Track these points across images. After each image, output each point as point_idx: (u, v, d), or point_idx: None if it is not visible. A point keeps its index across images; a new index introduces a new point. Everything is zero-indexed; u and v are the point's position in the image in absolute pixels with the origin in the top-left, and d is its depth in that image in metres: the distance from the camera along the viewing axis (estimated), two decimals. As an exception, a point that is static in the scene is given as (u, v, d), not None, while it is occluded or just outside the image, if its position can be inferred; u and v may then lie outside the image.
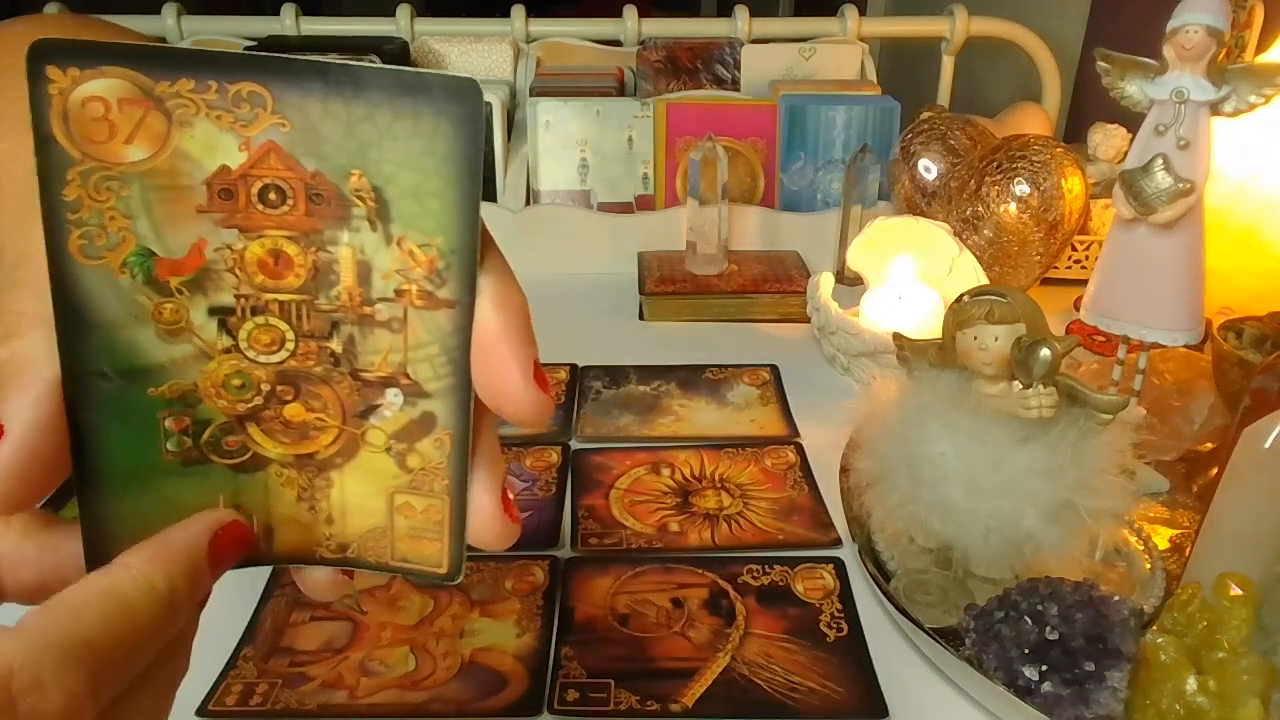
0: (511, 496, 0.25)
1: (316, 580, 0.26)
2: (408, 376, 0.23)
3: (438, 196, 0.22)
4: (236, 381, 0.23)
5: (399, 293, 0.23)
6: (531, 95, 0.93)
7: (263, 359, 0.23)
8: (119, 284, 0.22)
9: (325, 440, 0.24)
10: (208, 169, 0.22)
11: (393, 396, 0.24)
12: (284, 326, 0.23)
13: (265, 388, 0.23)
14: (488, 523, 0.25)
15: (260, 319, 0.23)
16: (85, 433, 0.23)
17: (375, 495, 0.25)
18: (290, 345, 0.23)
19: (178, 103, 0.21)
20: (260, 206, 0.22)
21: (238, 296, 0.23)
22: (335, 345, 0.23)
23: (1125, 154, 0.52)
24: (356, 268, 0.22)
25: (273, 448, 0.24)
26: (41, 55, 0.20)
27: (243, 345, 0.23)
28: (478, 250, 0.22)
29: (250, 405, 0.24)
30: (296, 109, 0.21)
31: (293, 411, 0.24)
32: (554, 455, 0.60)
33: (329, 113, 0.21)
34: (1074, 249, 0.81)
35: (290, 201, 0.22)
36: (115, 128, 0.21)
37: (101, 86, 0.21)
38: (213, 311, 0.23)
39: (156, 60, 0.21)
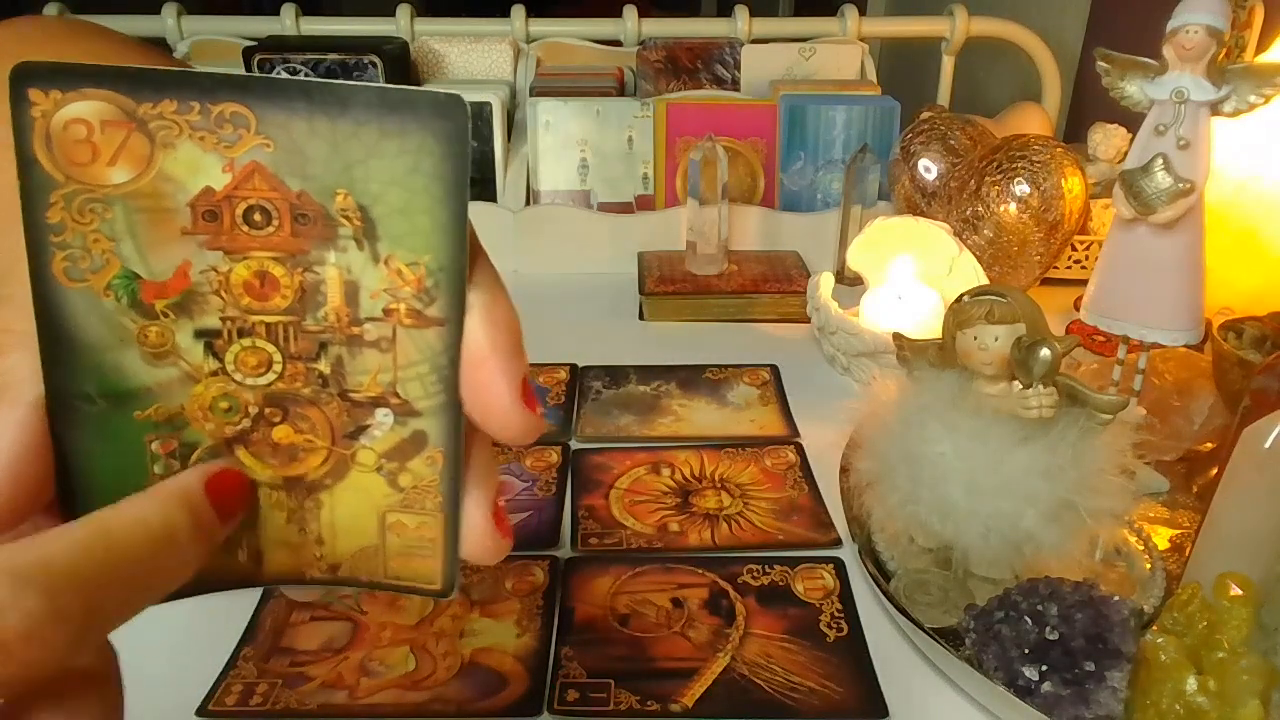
0: (504, 510, 0.25)
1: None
2: (398, 396, 0.23)
3: (425, 214, 0.22)
4: (224, 404, 0.23)
5: (387, 312, 0.22)
6: (531, 95, 0.93)
7: (250, 381, 0.23)
8: (103, 307, 0.22)
9: (314, 462, 0.24)
10: (191, 191, 0.21)
11: (383, 416, 0.23)
12: (271, 348, 0.23)
13: (253, 410, 0.23)
14: (479, 539, 0.24)
15: (247, 341, 0.23)
16: (70, 455, 0.22)
17: (366, 515, 0.24)
18: (278, 367, 0.23)
19: (160, 124, 0.21)
20: (245, 228, 0.22)
21: (224, 319, 0.22)
22: (323, 366, 0.23)
23: (1125, 154, 0.52)
24: (344, 288, 0.22)
25: (261, 470, 0.24)
26: (23, 78, 0.20)
27: (229, 368, 0.23)
28: (466, 267, 0.22)
29: (238, 428, 0.23)
30: (281, 129, 0.21)
31: (281, 434, 0.24)
32: (554, 455, 0.60)
33: (314, 132, 0.21)
34: (1074, 249, 0.81)
35: (275, 222, 0.22)
36: (98, 150, 0.21)
37: (84, 109, 0.20)
38: (199, 334, 0.22)
39: (139, 81, 0.21)
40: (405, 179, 0.21)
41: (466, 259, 0.22)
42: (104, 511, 0.20)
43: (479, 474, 0.24)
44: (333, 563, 0.25)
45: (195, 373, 0.23)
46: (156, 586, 0.21)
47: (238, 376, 0.23)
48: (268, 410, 0.23)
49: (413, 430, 0.23)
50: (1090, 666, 0.38)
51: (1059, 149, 0.71)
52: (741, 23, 1.01)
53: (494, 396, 0.23)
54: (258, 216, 0.22)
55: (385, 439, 0.24)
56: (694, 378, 0.70)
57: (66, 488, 0.23)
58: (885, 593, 0.45)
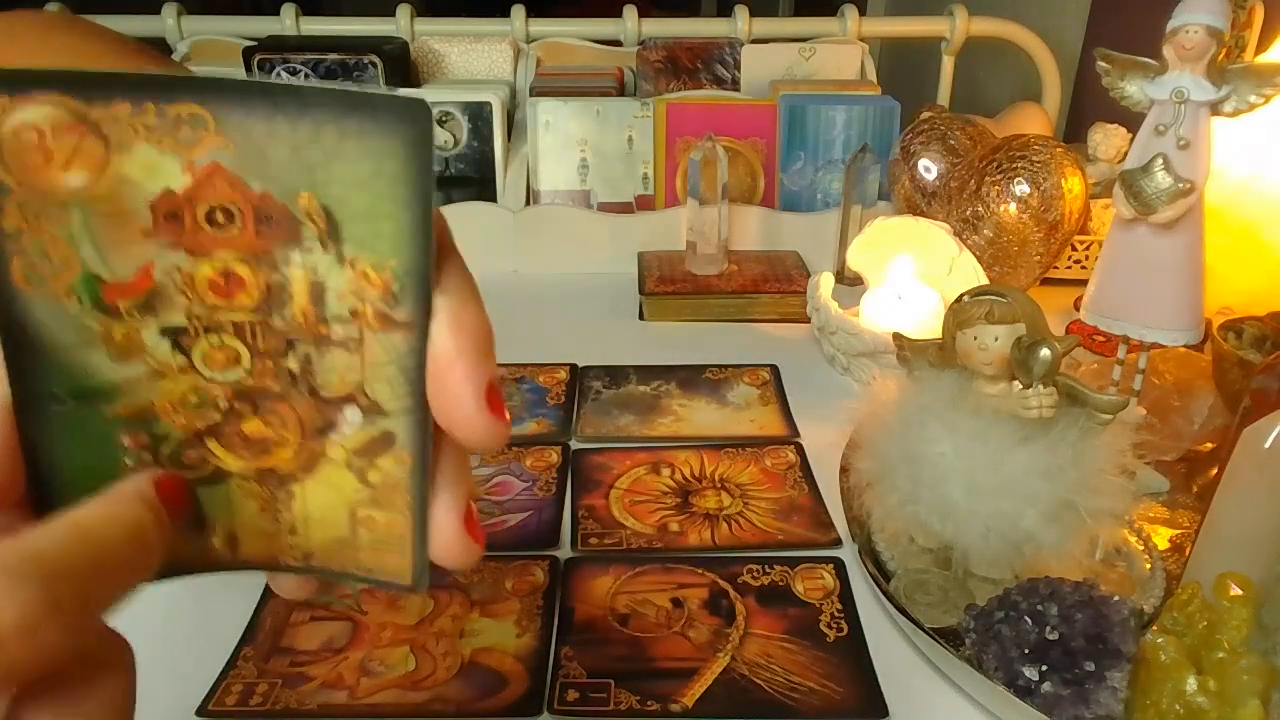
0: (476, 515, 0.25)
1: (284, 581, 0.26)
2: (366, 396, 0.23)
3: (390, 218, 0.21)
4: (193, 399, 0.23)
5: (354, 314, 0.22)
6: (531, 95, 0.93)
7: (219, 377, 0.23)
8: (66, 309, 0.22)
9: (285, 455, 0.24)
10: (151, 192, 0.21)
11: (352, 415, 0.23)
12: (239, 345, 0.23)
13: (223, 405, 0.23)
14: (449, 543, 0.24)
15: (214, 338, 0.23)
16: (40, 455, 0.22)
17: (337, 508, 0.24)
18: (246, 364, 0.23)
19: (115, 127, 0.20)
20: (208, 228, 0.21)
21: (190, 317, 0.22)
22: (292, 364, 0.23)
23: (1125, 154, 0.52)
24: (310, 288, 0.22)
25: (233, 461, 0.24)
26: None
27: (198, 364, 0.23)
28: (431, 271, 0.22)
29: (209, 422, 0.23)
30: (240, 130, 0.21)
31: (251, 427, 0.23)
32: (554, 455, 0.60)
33: (274, 134, 0.21)
34: (1074, 249, 0.81)
35: (239, 223, 0.21)
36: (51, 155, 0.20)
37: (35, 114, 0.20)
38: (165, 332, 0.22)
39: (89, 85, 0.20)
40: (368, 182, 0.21)
41: (432, 263, 0.22)
42: (75, 511, 0.21)
43: (449, 478, 0.24)
44: (306, 551, 0.25)
45: (163, 369, 0.23)
46: (132, 577, 0.21)
47: (206, 372, 0.23)
48: (238, 405, 0.23)
49: (381, 430, 0.23)
50: (1090, 666, 0.38)
51: (1059, 149, 0.71)
52: (741, 23, 1.01)
53: (458, 401, 0.22)
54: (220, 217, 0.21)
55: (355, 437, 0.24)
56: (694, 378, 0.70)
57: (38, 484, 0.23)
58: (885, 593, 0.45)
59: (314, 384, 0.23)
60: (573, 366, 0.71)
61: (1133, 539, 0.50)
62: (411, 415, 0.23)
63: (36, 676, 0.18)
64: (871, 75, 1.00)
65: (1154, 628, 0.41)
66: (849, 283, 0.80)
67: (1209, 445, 0.57)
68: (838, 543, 0.52)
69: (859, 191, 0.83)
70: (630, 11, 1.01)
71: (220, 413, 0.23)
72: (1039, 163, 0.70)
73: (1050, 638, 0.39)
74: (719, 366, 0.72)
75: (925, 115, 0.84)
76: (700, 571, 0.49)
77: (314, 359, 0.23)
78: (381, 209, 0.21)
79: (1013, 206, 0.71)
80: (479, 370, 0.22)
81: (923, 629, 0.42)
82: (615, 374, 0.71)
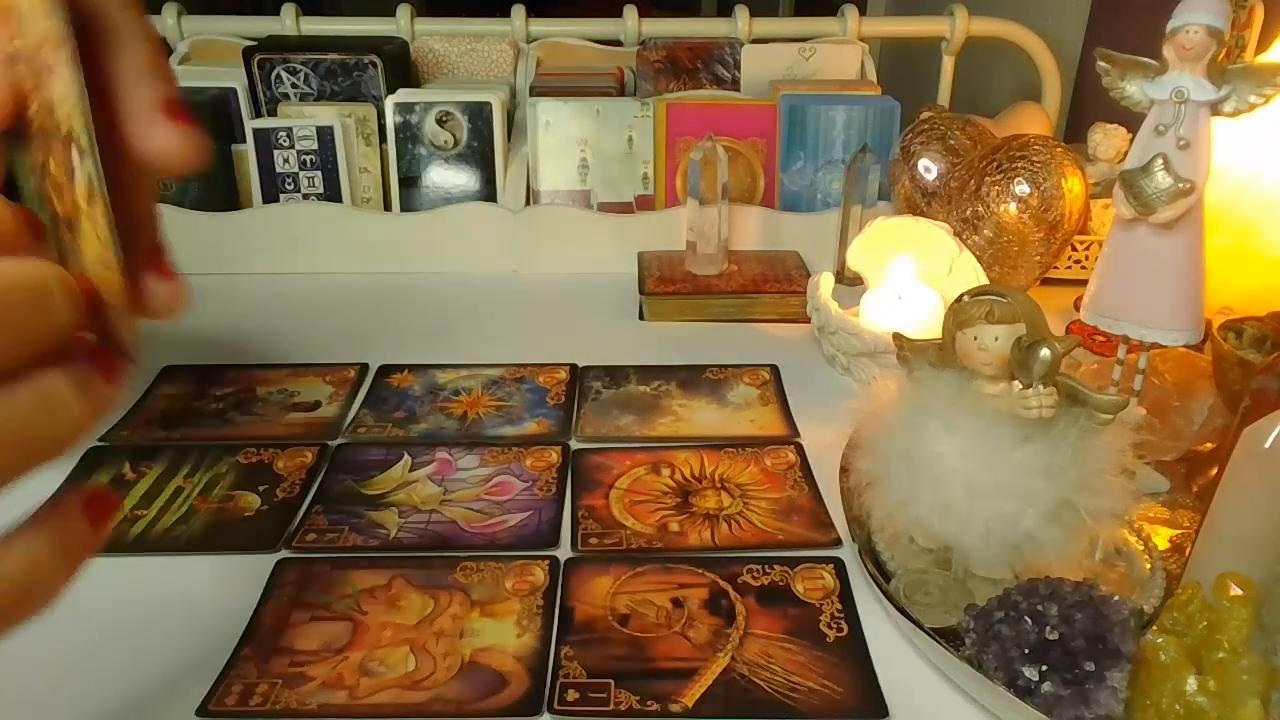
0: (170, 263, 0.24)
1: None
2: (73, 130, 0.23)
3: None
4: (27, 130, 0.23)
5: (49, 37, 0.22)
6: (531, 95, 0.93)
7: (30, 108, 0.23)
8: None
9: (66, 200, 0.24)
10: None
11: (75, 156, 0.23)
12: (21, 72, 0.23)
13: (35, 138, 0.23)
14: (151, 293, 0.24)
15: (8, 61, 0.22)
16: None
17: (99, 268, 0.24)
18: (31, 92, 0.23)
19: None
20: None
21: None
22: (31, 85, 0.23)
23: (1125, 154, 0.52)
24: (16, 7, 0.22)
25: (57, 204, 0.24)
26: None
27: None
28: None
29: (37, 159, 0.23)
30: None
31: (51, 165, 0.23)
32: (554, 455, 0.60)
33: None
34: (1074, 249, 0.81)
35: None
36: None
37: None
38: None
39: None
40: None
41: None
42: None
43: (138, 230, 0.24)
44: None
45: None
46: None
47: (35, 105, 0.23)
48: (40, 138, 0.23)
49: (87, 173, 0.23)
50: (1090, 666, 0.38)
51: (1059, 149, 0.71)
52: (741, 23, 1.01)
53: (137, 117, 0.22)
54: None
55: (82, 180, 0.23)
56: (694, 378, 0.70)
57: None
58: (885, 593, 0.45)
59: (50, 113, 0.23)
60: (573, 366, 0.71)
61: (1133, 539, 0.50)
62: (95, 155, 0.23)
63: None
64: (871, 75, 1.00)
65: (1154, 628, 0.41)
66: (849, 283, 0.80)
67: (1209, 445, 0.57)
68: (838, 543, 0.52)
69: (859, 191, 0.83)
70: (630, 11, 1.01)
71: (39, 149, 0.23)
72: (1039, 163, 0.70)
73: (1050, 638, 0.39)
74: (719, 366, 0.72)
75: (925, 115, 0.84)
76: (700, 571, 0.49)
77: (42, 85, 0.22)
78: None
79: (1013, 206, 0.71)
80: (155, 83, 0.22)
81: (923, 629, 0.42)
82: (615, 374, 0.71)
